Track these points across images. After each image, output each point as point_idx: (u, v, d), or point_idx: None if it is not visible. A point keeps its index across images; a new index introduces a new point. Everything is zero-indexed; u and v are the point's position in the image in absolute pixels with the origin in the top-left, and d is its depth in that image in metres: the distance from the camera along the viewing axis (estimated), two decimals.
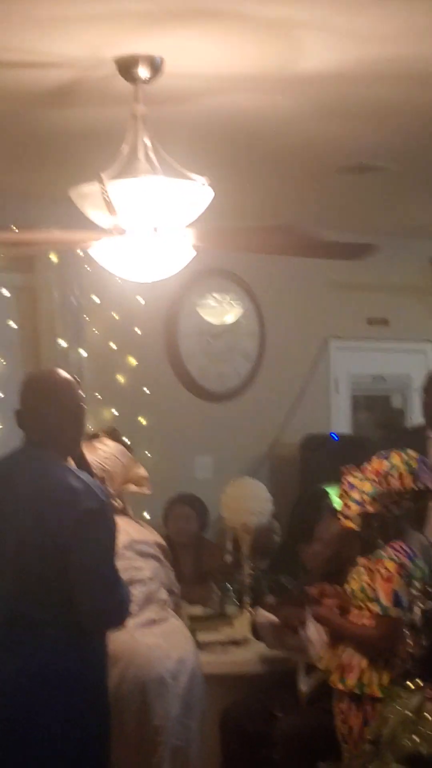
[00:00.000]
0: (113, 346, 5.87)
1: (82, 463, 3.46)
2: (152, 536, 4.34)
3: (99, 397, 5.80)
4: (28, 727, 3.11)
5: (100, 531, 3.14)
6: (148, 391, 6.02)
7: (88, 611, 3.11)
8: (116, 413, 5.88)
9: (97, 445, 4.22)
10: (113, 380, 5.89)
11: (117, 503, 4.03)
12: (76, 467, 3.33)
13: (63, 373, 3.43)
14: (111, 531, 3.19)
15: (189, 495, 5.81)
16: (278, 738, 4.39)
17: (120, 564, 3.36)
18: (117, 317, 5.83)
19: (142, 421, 6.00)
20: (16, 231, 4.65)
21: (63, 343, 5.55)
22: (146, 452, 6.01)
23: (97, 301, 5.71)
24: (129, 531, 4.08)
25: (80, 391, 3.40)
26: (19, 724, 3.11)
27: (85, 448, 3.87)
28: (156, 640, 3.96)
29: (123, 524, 3.78)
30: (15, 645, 3.11)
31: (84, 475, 3.26)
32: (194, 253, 3.55)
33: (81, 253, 5.41)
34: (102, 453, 4.16)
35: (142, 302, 5.83)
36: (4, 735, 3.12)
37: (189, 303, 6.26)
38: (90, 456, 3.84)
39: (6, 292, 5.56)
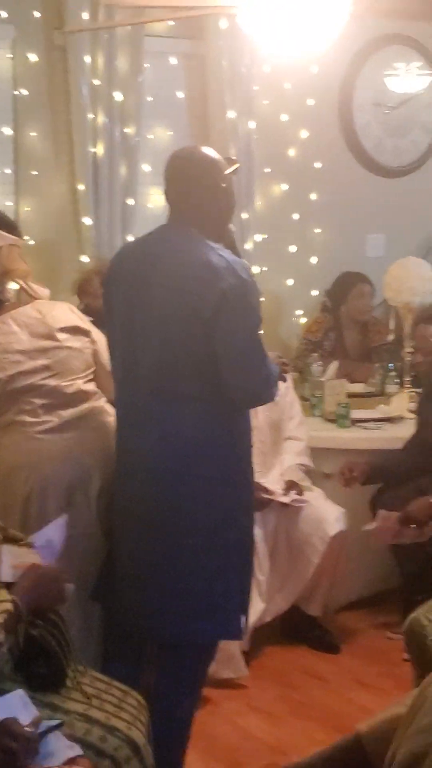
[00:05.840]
0: (284, 117, 5.71)
1: (234, 251, 3.39)
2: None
3: (268, 171, 5.70)
4: (171, 493, 3.18)
5: (242, 308, 3.11)
6: (319, 166, 5.87)
7: (234, 386, 3.13)
8: (286, 188, 5.79)
9: None
10: (283, 154, 5.77)
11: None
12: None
13: (208, 151, 3.28)
14: (254, 308, 3.16)
15: (360, 274, 5.71)
16: None
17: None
18: (289, 87, 5.65)
19: (313, 196, 5.89)
20: None
21: (232, 115, 5.41)
22: (316, 229, 5.94)
23: (268, 70, 5.51)
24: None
25: (227, 171, 3.24)
26: (163, 493, 3.18)
27: None
28: None
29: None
30: (159, 416, 3.18)
31: (226, 253, 3.21)
32: (347, 17, 3.36)
33: None
34: None
35: (316, 71, 5.61)
36: (148, 503, 3.21)
37: (366, 72, 5.98)
38: None
39: (173, 60, 5.43)
